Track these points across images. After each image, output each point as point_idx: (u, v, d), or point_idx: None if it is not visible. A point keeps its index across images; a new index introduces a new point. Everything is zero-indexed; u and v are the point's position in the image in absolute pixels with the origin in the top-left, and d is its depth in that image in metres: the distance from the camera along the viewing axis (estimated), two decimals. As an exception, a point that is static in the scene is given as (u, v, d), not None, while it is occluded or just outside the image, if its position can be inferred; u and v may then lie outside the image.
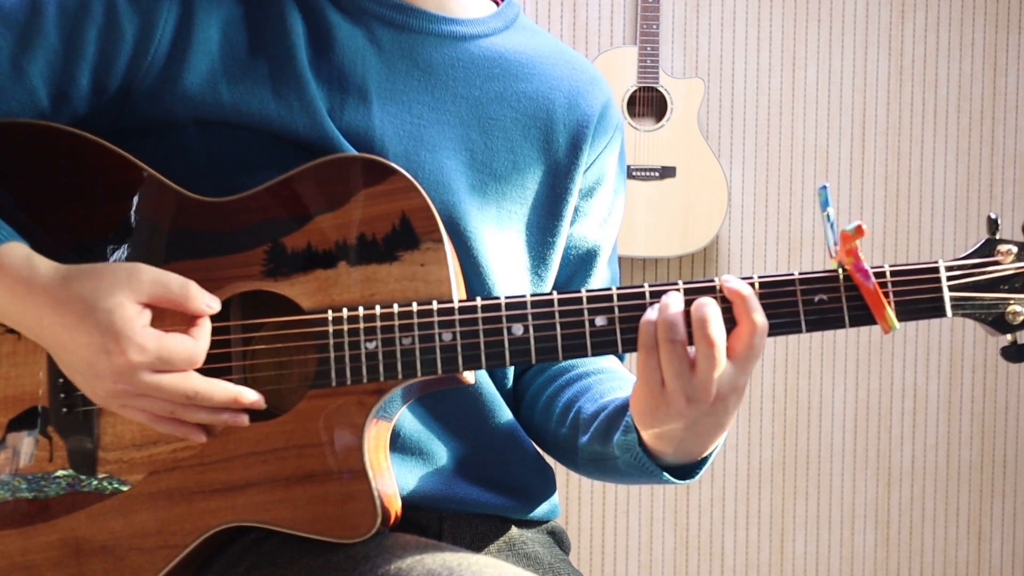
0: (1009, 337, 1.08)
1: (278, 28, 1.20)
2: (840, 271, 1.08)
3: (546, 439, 1.30)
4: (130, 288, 1.06)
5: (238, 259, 1.13)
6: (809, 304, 1.08)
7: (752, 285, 1.07)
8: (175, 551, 1.12)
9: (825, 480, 3.27)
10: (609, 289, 1.09)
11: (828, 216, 1.08)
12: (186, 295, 1.08)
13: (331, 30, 1.22)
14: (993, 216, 1.08)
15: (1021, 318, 1.07)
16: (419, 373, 1.10)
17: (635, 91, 3.08)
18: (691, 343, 1.05)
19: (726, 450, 3.25)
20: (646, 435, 1.12)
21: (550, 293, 1.11)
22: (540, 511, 1.31)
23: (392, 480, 1.15)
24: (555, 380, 1.30)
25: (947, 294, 1.07)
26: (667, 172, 3.06)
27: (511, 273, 1.26)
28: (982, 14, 3.26)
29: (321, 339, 1.11)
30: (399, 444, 1.20)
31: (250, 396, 1.09)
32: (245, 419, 1.10)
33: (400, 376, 1.10)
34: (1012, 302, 1.07)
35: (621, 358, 1.37)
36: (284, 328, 1.13)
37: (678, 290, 1.08)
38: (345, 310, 1.11)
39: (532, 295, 1.10)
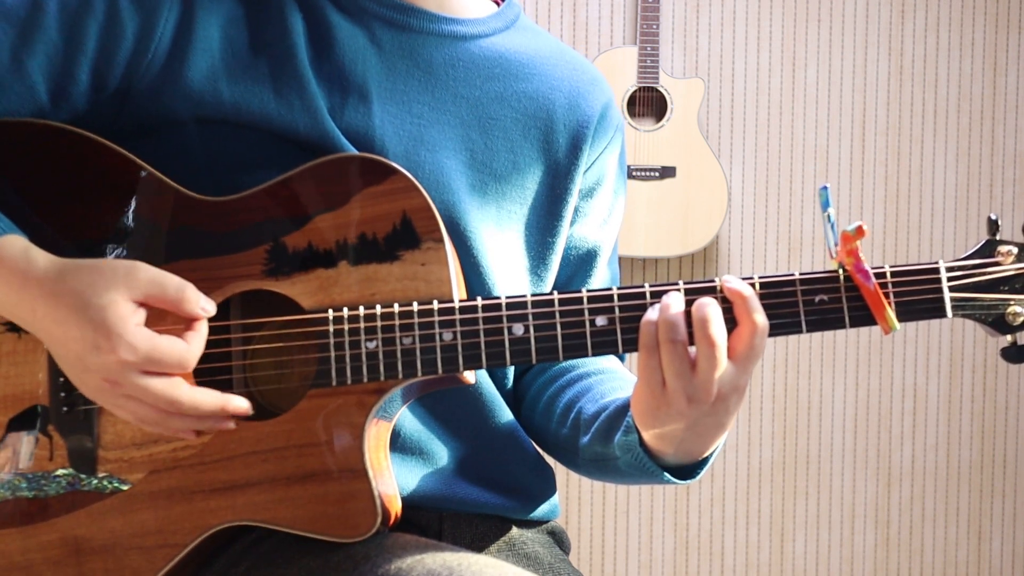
0: (1009, 338, 1.08)
1: (279, 27, 1.20)
2: (840, 271, 1.08)
3: (547, 439, 1.30)
4: (126, 286, 1.06)
5: (239, 258, 1.13)
6: (810, 304, 1.08)
7: (753, 285, 1.08)
8: (175, 550, 1.12)
9: (825, 480, 3.27)
10: (610, 289, 1.09)
11: (829, 217, 1.08)
12: (182, 297, 1.07)
13: (331, 30, 1.22)
14: (993, 217, 1.08)
15: (1021, 319, 1.07)
16: (419, 373, 1.10)
17: (635, 91, 3.08)
18: (692, 343, 1.05)
19: (726, 450, 3.25)
20: (647, 435, 1.12)
21: (551, 293, 1.11)
22: (540, 511, 1.31)
23: (392, 480, 1.15)
24: (556, 380, 1.30)
25: (947, 295, 1.08)
26: (667, 172, 3.06)
27: (510, 273, 1.26)
28: (982, 14, 3.26)
29: (322, 338, 1.11)
30: (399, 444, 1.20)
31: (237, 404, 1.08)
32: (231, 424, 1.09)
33: (400, 376, 1.10)
34: (1012, 303, 1.08)
35: (622, 358, 1.37)
36: (285, 327, 1.13)
37: (679, 290, 1.08)
38: (346, 309, 1.11)
39: (533, 295, 1.10)
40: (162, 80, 1.17)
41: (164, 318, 1.08)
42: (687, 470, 1.16)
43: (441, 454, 1.23)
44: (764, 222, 3.23)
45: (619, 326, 1.09)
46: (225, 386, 1.14)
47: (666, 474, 1.14)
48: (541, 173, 1.29)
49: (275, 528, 1.11)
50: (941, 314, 1.08)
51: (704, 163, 3.07)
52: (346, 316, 1.11)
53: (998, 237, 1.08)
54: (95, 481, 1.13)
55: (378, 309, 1.10)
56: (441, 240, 1.11)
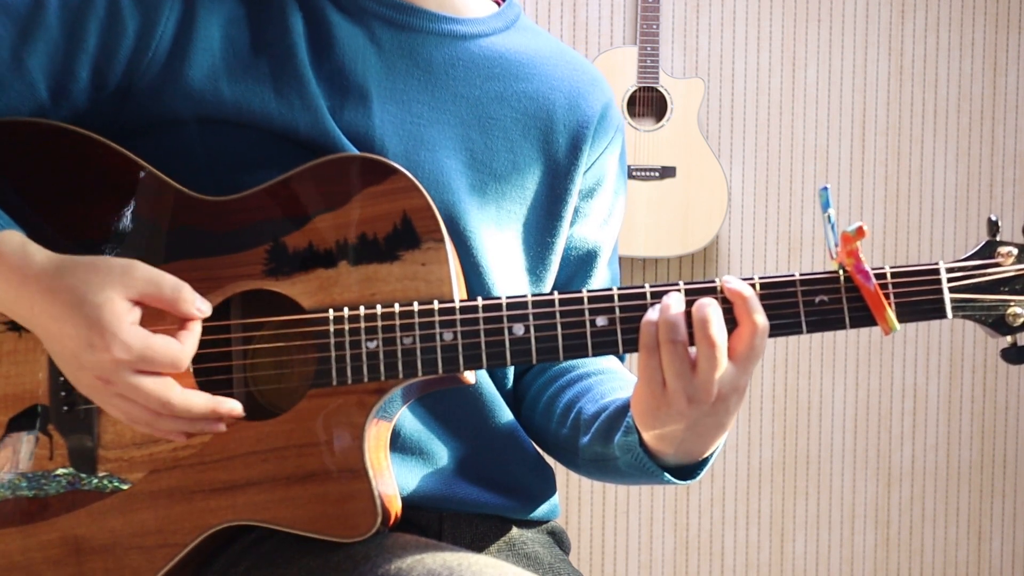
0: (1009, 339, 1.08)
1: (279, 27, 1.20)
2: (841, 272, 1.08)
3: (547, 440, 1.30)
4: (122, 284, 1.06)
5: (239, 258, 1.13)
6: (810, 305, 1.08)
7: (753, 286, 1.08)
8: (175, 550, 1.12)
9: (825, 480, 3.27)
10: (610, 289, 1.09)
11: (829, 217, 1.08)
12: (177, 297, 1.07)
13: (331, 29, 1.22)
14: (994, 218, 1.08)
15: (1021, 320, 1.07)
16: (420, 373, 1.10)
17: (635, 91, 3.08)
18: (692, 344, 1.05)
19: (726, 450, 3.25)
20: (647, 436, 1.12)
21: (551, 293, 1.11)
22: (540, 511, 1.31)
23: (392, 480, 1.15)
24: (556, 380, 1.30)
25: (947, 296, 1.08)
26: (667, 172, 3.06)
27: (510, 273, 1.26)
28: (982, 14, 3.26)
29: (322, 338, 1.11)
30: (399, 444, 1.20)
31: (230, 406, 1.08)
32: (222, 427, 1.09)
33: (401, 376, 1.10)
34: (1012, 304, 1.08)
35: (622, 358, 1.37)
36: (285, 327, 1.13)
37: (679, 290, 1.08)
38: (346, 309, 1.11)
39: (533, 295, 1.10)
40: (163, 79, 1.17)
41: (161, 318, 1.08)
42: (687, 470, 1.16)
43: (441, 454, 1.23)
44: (764, 222, 3.23)
45: (619, 326, 1.09)
46: (225, 386, 1.14)
47: (666, 474, 1.14)
48: (541, 173, 1.29)
49: (275, 528, 1.11)
50: (941, 315, 1.08)
51: (704, 163, 3.07)
52: (346, 316, 1.11)
53: (998, 238, 1.09)
54: (95, 480, 1.13)
55: (378, 309, 1.10)
56: (441, 240, 1.11)
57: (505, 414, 1.28)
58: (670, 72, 3.15)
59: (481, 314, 1.09)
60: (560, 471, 2.92)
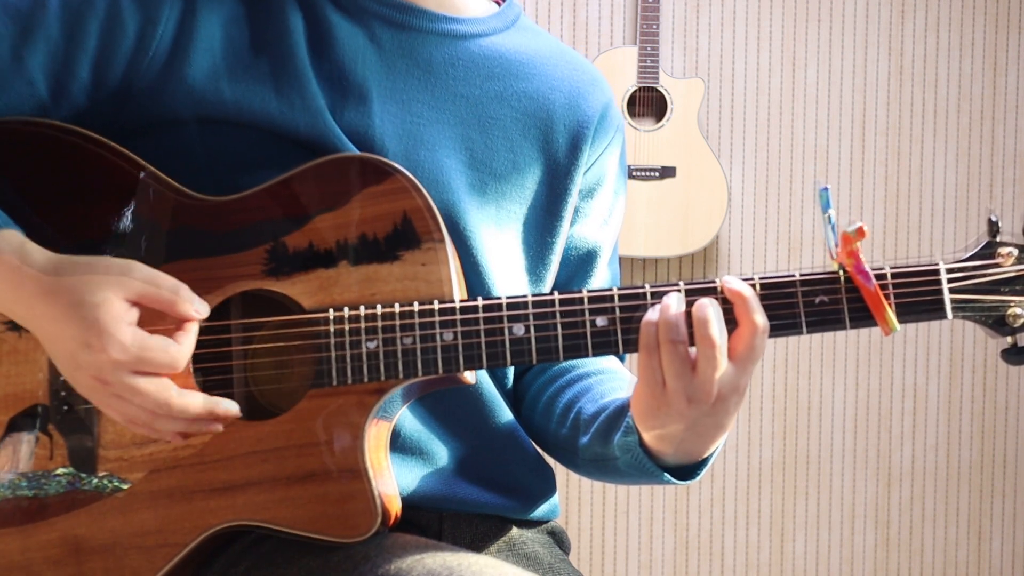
0: (1009, 339, 1.08)
1: (279, 27, 1.20)
2: (841, 272, 1.08)
3: (547, 440, 1.30)
4: (120, 285, 1.06)
5: (239, 258, 1.13)
6: (810, 305, 1.08)
7: (753, 286, 1.07)
8: (175, 550, 1.12)
9: (825, 480, 3.27)
10: (610, 289, 1.09)
11: (829, 218, 1.08)
12: (175, 298, 1.07)
13: (331, 29, 1.22)
14: (994, 219, 1.08)
15: (1022, 320, 1.07)
16: (420, 373, 1.10)
17: (635, 91, 3.08)
18: (692, 344, 1.05)
19: (726, 450, 3.25)
20: (647, 436, 1.12)
21: (551, 293, 1.11)
22: (540, 511, 1.31)
23: (392, 480, 1.15)
24: (556, 380, 1.30)
25: (948, 296, 1.07)
26: (667, 172, 3.06)
27: (510, 273, 1.26)
28: (982, 14, 3.26)
29: (322, 338, 1.11)
30: (399, 444, 1.20)
31: (226, 407, 1.08)
32: (219, 428, 1.09)
33: (401, 376, 1.10)
34: (1013, 304, 1.07)
35: (622, 359, 1.37)
36: (285, 327, 1.13)
37: (679, 290, 1.08)
38: (346, 309, 1.11)
39: (533, 295, 1.10)
40: (163, 79, 1.17)
41: (160, 318, 1.08)
42: (687, 470, 1.16)
43: (441, 454, 1.23)
44: (764, 222, 3.23)
45: (619, 326, 1.09)
46: (225, 386, 1.14)
47: (666, 475, 1.14)
48: (541, 173, 1.29)
49: (275, 528, 1.11)
50: (941, 315, 1.07)
51: (704, 163, 3.07)
52: (346, 316, 1.11)
53: (999, 239, 1.08)
54: (95, 480, 1.13)
55: (378, 309, 1.10)
56: (441, 240, 1.11)
57: (505, 414, 1.28)
58: (670, 72, 3.15)
59: (481, 314, 1.09)
60: (560, 471, 2.92)
